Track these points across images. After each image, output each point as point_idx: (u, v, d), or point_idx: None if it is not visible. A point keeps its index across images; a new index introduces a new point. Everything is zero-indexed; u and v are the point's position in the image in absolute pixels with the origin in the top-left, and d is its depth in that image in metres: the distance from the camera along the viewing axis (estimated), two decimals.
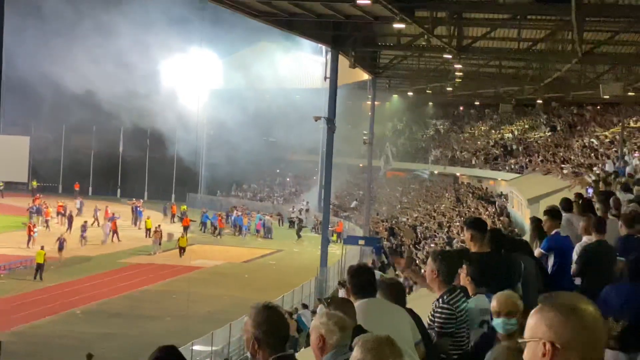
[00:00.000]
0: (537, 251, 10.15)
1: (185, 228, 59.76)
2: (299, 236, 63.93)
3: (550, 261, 9.99)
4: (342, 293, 37.88)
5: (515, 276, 8.16)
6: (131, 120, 75.17)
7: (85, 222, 56.43)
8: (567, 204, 12.60)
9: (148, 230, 58.28)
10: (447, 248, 42.23)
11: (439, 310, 7.11)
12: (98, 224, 60.94)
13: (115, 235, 56.87)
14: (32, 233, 52.12)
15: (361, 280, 6.68)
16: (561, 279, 9.58)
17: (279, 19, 35.48)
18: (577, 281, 9.53)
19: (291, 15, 34.34)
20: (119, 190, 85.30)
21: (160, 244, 54.20)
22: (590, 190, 19.32)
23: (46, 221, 60.01)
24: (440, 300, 7.15)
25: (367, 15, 33.32)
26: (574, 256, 9.73)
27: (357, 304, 6.45)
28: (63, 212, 63.60)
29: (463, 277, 7.51)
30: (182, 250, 52.69)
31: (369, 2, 26.25)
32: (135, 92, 70.95)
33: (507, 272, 7.99)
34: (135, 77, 71.05)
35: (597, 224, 9.96)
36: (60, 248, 47.28)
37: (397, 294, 7.06)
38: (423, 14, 33.29)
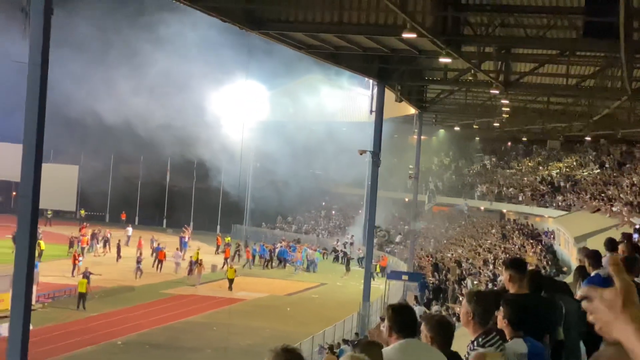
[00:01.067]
0: (578, 294, 9.83)
1: (226, 260, 59.77)
2: (348, 269, 63.58)
3: None
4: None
5: (556, 319, 7.87)
6: (178, 151, 75.63)
7: (141, 253, 56.76)
8: (611, 244, 12.23)
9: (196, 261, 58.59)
10: (491, 286, 41.75)
11: (474, 353, 6.84)
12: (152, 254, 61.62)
13: (160, 265, 56.91)
14: (77, 262, 52.37)
15: (406, 319, 6.45)
16: None
17: (325, 52, 35.48)
18: None
19: (337, 48, 34.32)
20: (164, 221, 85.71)
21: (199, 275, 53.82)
22: (637, 235, 18.85)
23: (82, 249, 59.96)
24: (475, 342, 6.88)
25: (413, 50, 33.21)
26: None
27: (396, 344, 6.24)
28: (101, 240, 64.35)
29: (500, 320, 7.22)
30: (230, 282, 52.14)
31: (415, 35, 26.07)
32: (182, 122, 71.47)
33: (547, 315, 7.70)
34: (182, 108, 71.63)
35: (626, 263, 9.65)
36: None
37: (445, 331, 6.81)
38: (470, 49, 33.10)
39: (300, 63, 63.74)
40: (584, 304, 2.70)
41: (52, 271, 49.37)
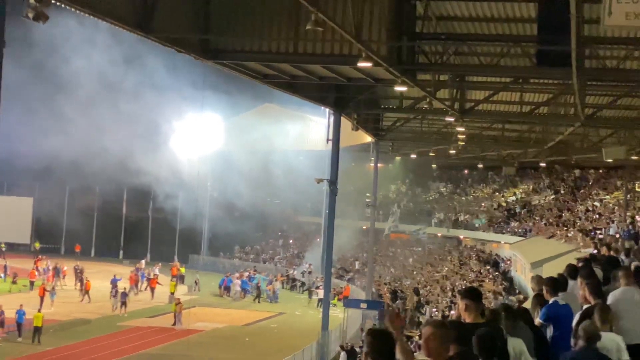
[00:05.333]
0: (537, 321, 9.90)
1: (153, 289, 59.67)
2: (311, 297, 63.33)
3: (550, 331, 9.73)
4: (343, 357, 37.47)
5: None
6: (135, 181, 75.04)
7: (125, 288, 56.40)
8: (572, 271, 12.27)
9: (171, 294, 57.75)
10: (452, 312, 41.89)
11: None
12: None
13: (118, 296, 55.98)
14: (44, 294, 51.60)
15: (384, 346, 6.24)
16: (561, 349, 9.30)
17: (281, 82, 35.51)
18: None
19: (293, 77, 34.36)
20: (121, 252, 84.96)
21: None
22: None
23: (31, 283, 59.19)
24: None
25: (368, 78, 33.34)
26: None
27: None
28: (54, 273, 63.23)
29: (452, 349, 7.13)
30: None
31: (370, 64, 26.15)
32: (138, 153, 70.91)
33: (504, 345, 7.71)
34: (139, 139, 71.15)
35: (593, 289, 9.80)
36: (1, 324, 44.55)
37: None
38: (425, 77, 33.29)
39: (256, 92, 63.71)
40: None
41: (8, 305, 48.53)
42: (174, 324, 50.01)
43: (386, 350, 6.21)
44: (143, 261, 70.12)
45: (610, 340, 8.66)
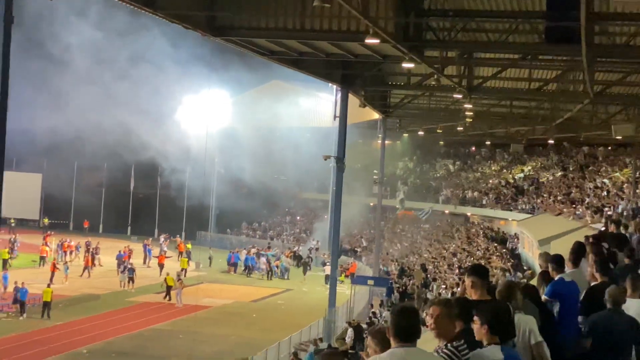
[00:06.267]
0: (543, 297, 9.86)
1: (161, 265, 59.41)
2: (305, 273, 63.45)
3: (556, 308, 9.69)
4: (350, 333, 37.54)
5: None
6: (142, 158, 75.11)
7: (131, 264, 56.54)
8: (581, 248, 12.11)
9: (184, 270, 57.77)
10: (456, 290, 41.83)
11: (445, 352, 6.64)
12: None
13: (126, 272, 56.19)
14: (55, 270, 51.97)
15: (404, 323, 6.04)
16: (566, 326, 9.28)
17: (288, 58, 35.43)
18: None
19: (300, 54, 34.27)
20: (129, 228, 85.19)
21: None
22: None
23: (41, 258, 59.51)
24: (449, 344, 6.66)
25: (376, 55, 33.22)
26: None
27: (387, 352, 6.03)
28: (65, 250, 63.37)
29: (477, 328, 6.97)
30: (168, 291, 50.43)
31: (378, 41, 26.07)
32: (146, 130, 71.01)
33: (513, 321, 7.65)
34: (146, 115, 71.18)
35: (600, 266, 9.79)
36: None
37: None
38: (433, 54, 33.19)
39: (263, 69, 63.59)
40: None
41: (17, 280, 48.81)
42: (165, 297, 50.15)
43: (406, 328, 6.09)
44: (162, 236, 70.21)
45: (637, 306, 9.13)
